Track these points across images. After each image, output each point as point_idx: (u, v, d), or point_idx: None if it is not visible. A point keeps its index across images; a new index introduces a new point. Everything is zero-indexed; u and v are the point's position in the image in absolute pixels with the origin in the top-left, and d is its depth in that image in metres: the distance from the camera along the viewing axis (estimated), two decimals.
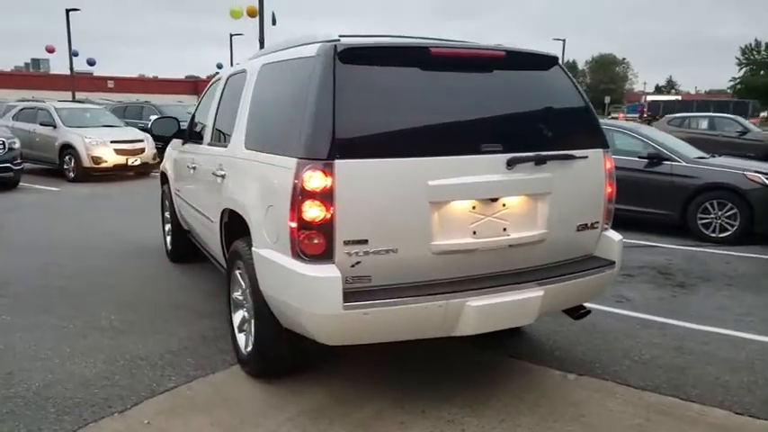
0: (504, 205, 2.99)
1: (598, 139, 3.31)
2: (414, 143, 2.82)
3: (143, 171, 13.07)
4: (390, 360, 3.65)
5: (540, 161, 3.01)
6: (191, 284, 5.26)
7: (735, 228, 7.32)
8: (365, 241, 2.71)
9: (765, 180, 7.31)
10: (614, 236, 3.40)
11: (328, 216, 2.65)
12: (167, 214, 6.12)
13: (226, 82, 4.34)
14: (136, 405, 3.18)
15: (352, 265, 2.71)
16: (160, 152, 13.35)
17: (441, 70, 2.98)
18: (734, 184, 7.34)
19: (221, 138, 4.08)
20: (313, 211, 2.65)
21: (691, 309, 4.85)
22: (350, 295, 2.65)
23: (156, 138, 5.67)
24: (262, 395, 3.29)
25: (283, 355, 3.31)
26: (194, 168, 4.53)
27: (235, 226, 3.65)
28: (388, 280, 2.80)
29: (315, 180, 2.64)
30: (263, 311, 3.15)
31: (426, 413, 3.11)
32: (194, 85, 42.35)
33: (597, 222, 3.33)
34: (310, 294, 2.67)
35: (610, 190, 3.35)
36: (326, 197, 2.64)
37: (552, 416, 3.11)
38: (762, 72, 60.91)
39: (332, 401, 3.21)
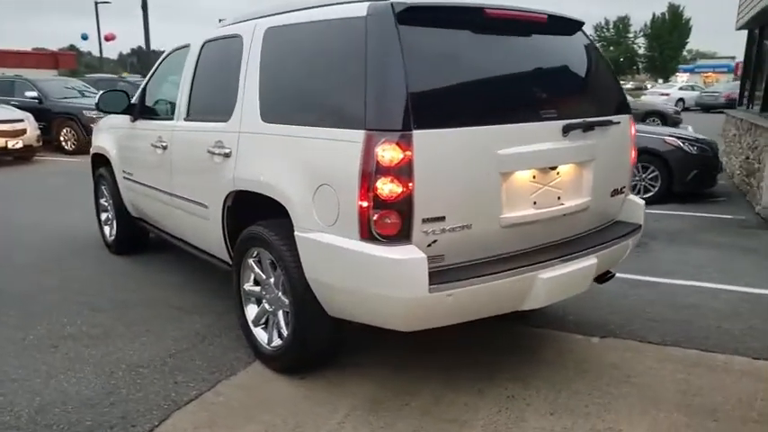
0: (557, 174, 2.91)
1: (625, 104, 3.32)
2: (481, 110, 2.66)
3: (25, 155, 11.64)
4: (414, 343, 3.46)
5: (588, 127, 2.96)
6: (154, 278, 4.73)
7: (656, 188, 7.87)
8: (442, 218, 2.52)
9: (681, 144, 7.89)
10: (638, 200, 3.46)
11: (406, 193, 2.42)
12: (105, 201, 5.45)
13: (201, 50, 3.86)
14: (165, 420, 2.79)
15: (429, 245, 2.52)
16: (43, 132, 12.06)
17: (490, 33, 2.82)
18: (655, 148, 7.86)
19: (210, 112, 3.63)
20: (389, 187, 2.41)
21: (657, 266, 5.12)
22: (431, 277, 2.46)
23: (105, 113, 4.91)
24: (302, 393, 3.01)
25: (325, 346, 3.05)
26: (163, 147, 4.01)
27: (245, 210, 3.29)
28: (458, 258, 2.64)
29: (391, 153, 2.39)
30: (305, 300, 2.87)
31: (483, 391, 3.01)
32: (54, 59, 38.18)
33: (624, 187, 3.37)
34: (391, 278, 2.44)
35: (634, 155, 3.39)
36: (404, 172, 2.41)
37: (602, 380, 3.13)
38: (611, 48, 66.32)
39: (383, 392, 3.01)
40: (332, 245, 2.60)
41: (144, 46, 21.18)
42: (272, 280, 3.14)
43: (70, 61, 42.32)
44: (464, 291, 2.51)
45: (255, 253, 3.22)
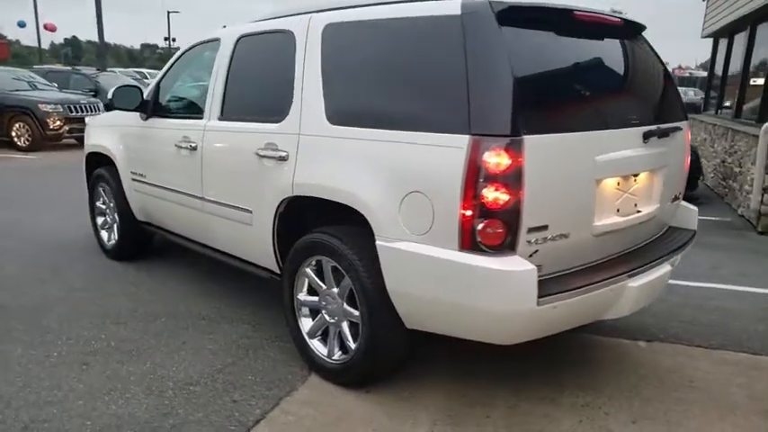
0: (635, 181, 2.89)
1: (683, 110, 3.33)
2: (579, 115, 2.60)
3: None
4: (468, 351, 3.35)
5: (663, 134, 2.95)
6: (166, 286, 4.46)
7: None
8: (545, 227, 2.45)
9: None
10: (691, 206, 3.49)
11: (515, 201, 2.33)
12: (102, 204, 5.13)
13: (235, 46, 3.65)
14: None
15: (530, 255, 2.44)
16: None
17: (575, 36, 2.76)
18: None
19: (255, 112, 3.43)
20: (496, 195, 2.32)
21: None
22: (538, 288, 2.38)
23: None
24: (376, 407, 2.88)
25: (398, 358, 2.92)
26: (191, 148, 3.78)
27: (299, 216, 3.12)
28: (554, 268, 2.57)
29: (500, 160, 2.30)
30: (380, 311, 2.74)
31: (557, 401, 2.96)
32: None
33: (680, 193, 3.38)
34: (498, 291, 2.34)
35: (688, 160, 3.41)
36: (513, 179, 2.32)
37: (666, 385, 3.13)
38: None
39: (456, 404, 2.92)
40: (424, 255, 2.49)
41: (78, 36, 20.15)
42: (335, 290, 2.99)
43: (2, 50, 39.82)
44: (568, 302, 2.44)
45: (314, 261, 3.06)
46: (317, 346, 3.15)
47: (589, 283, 2.51)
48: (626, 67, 3.00)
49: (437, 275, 2.48)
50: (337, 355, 3.05)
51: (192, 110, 4.03)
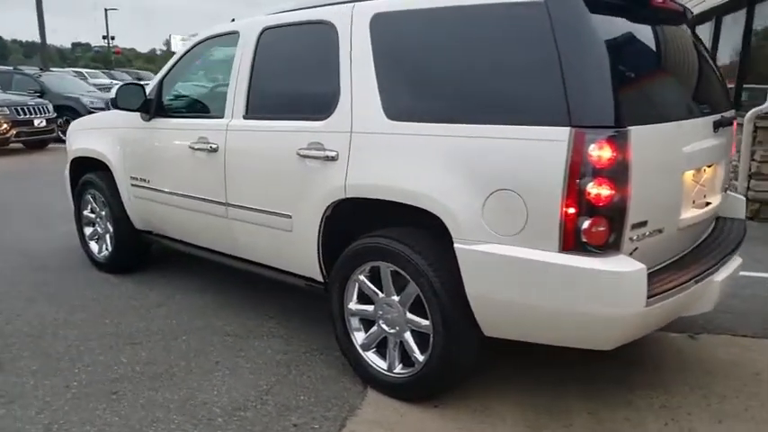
0: (704, 171, 2.79)
1: (731, 99, 3.27)
2: (668, 104, 2.48)
3: None
4: (517, 354, 3.18)
5: (727, 123, 2.86)
6: (174, 300, 4.13)
7: None
8: (645, 223, 2.31)
9: None
10: (738, 195, 3.43)
11: (621, 196, 2.18)
12: (90, 213, 4.73)
13: (259, 39, 3.36)
14: None
15: (631, 253, 2.29)
16: None
17: (650, 23, 2.63)
18: None
19: (290, 109, 3.17)
20: (603, 191, 2.15)
21: None
22: None
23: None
24: (450, 423, 2.68)
25: (470, 369, 2.74)
26: (211, 150, 3.47)
27: (351, 219, 2.90)
28: (648, 265, 2.42)
29: (606, 153, 2.13)
30: (455, 319, 2.55)
31: (633, 403, 2.84)
32: None
33: (728, 183, 3.32)
34: (608, 293, 2.18)
35: (734, 149, 3.36)
36: (620, 172, 2.16)
37: (735, 380, 3.05)
38: None
39: (534, 414, 2.75)
40: (515, 258, 2.30)
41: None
42: (395, 298, 2.78)
43: None
44: (668, 302, 2.31)
45: (369, 268, 2.84)
46: (373, 359, 2.93)
47: (687, 280, 2.39)
48: (692, 54, 2.90)
49: (531, 279, 2.30)
50: (399, 368, 2.84)
51: (208, 109, 3.74)
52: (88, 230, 4.83)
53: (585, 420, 2.69)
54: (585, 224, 2.17)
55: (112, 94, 3.81)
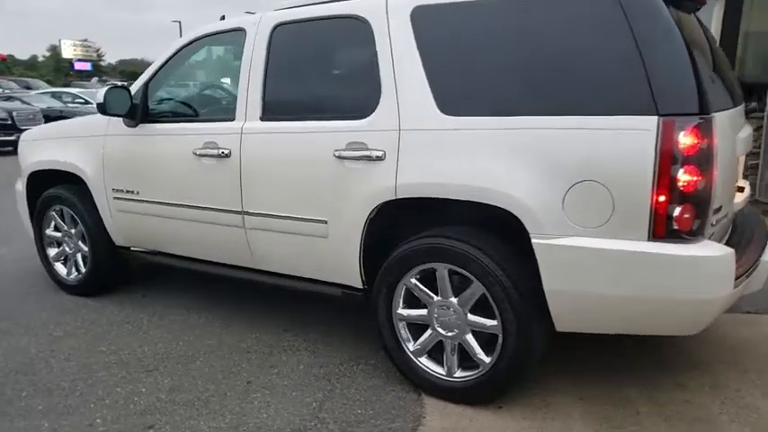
0: (738, 159, 2.90)
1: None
2: (722, 93, 2.54)
3: None
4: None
5: (753, 111, 3.00)
6: (172, 320, 3.81)
7: None
8: (720, 208, 2.36)
9: None
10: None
11: (707, 182, 2.21)
12: (54, 232, 4.30)
13: (271, 36, 3.16)
14: None
15: (709, 238, 2.33)
16: None
17: (682, 10, 2.68)
18: None
19: (320, 109, 3.00)
20: (692, 178, 2.18)
21: None
22: None
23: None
24: (522, 423, 2.62)
25: (536, 364, 2.70)
26: (223, 155, 3.23)
27: (392, 222, 2.79)
28: None
29: (694, 140, 2.16)
30: (528, 318, 2.50)
31: (684, 385, 2.89)
32: None
33: None
34: (701, 278, 2.21)
35: None
36: (706, 159, 2.19)
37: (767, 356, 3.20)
38: None
39: (599, 406, 2.74)
40: (602, 249, 2.28)
41: None
42: (453, 300, 2.69)
43: None
44: (745, 282, 2.37)
45: (422, 270, 2.73)
46: (428, 364, 2.82)
47: (755, 260, 2.47)
48: (711, 43, 3.00)
49: (620, 269, 2.28)
50: (459, 373, 2.75)
51: (212, 112, 3.47)
52: (52, 252, 4.37)
53: (649, 407, 2.72)
54: (676, 211, 2.18)
55: (99, 98, 3.45)
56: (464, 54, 2.60)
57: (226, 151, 3.21)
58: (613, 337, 2.88)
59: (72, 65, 53.96)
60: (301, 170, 2.99)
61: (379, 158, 2.73)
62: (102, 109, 3.46)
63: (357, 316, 3.65)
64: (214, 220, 3.37)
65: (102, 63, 68.87)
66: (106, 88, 3.47)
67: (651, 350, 3.21)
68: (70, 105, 17.77)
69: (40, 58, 69.45)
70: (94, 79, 45.86)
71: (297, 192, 3.02)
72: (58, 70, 57.31)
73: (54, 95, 18.87)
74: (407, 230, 2.84)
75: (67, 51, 54.39)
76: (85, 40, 58.40)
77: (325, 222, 2.95)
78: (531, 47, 2.46)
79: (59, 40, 55.60)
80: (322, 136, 2.91)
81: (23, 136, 4.51)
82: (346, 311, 3.74)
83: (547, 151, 2.35)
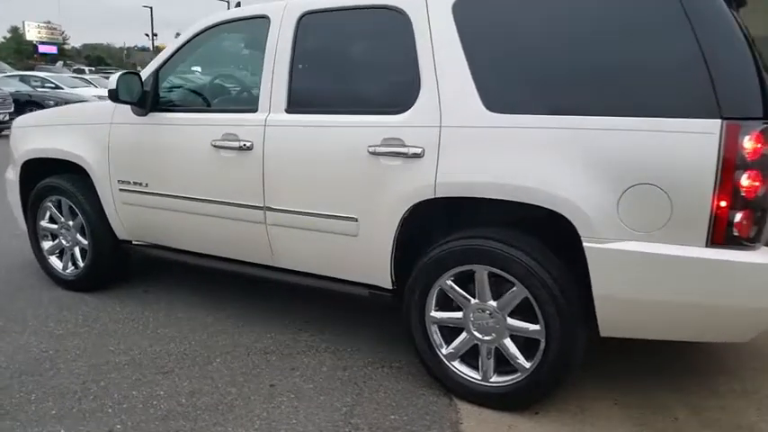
0: None
1: None
2: None
3: None
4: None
5: None
6: (180, 318, 3.66)
7: None
8: None
9: None
10: None
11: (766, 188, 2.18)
12: (49, 223, 4.10)
13: (298, 25, 3.03)
14: None
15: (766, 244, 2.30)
16: None
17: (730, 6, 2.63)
18: None
19: (351, 102, 2.89)
20: (753, 183, 2.13)
21: None
22: None
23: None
24: (561, 428, 2.57)
25: (578, 369, 2.64)
26: (244, 148, 3.09)
27: (425, 221, 2.71)
28: None
29: (758, 144, 2.12)
30: (574, 323, 2.45)
31: (715, 390, 2.88)
32: None
33: None
34: (763, 286, 2.17)
35: None
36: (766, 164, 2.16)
37: None
38: None
39: (635, 411, 2.70)
40: (659, 255, 2.23)
41: None
42: (492, 303, 2.62)
43: None
44: None
45: (459, 272, 2.65)
46: (462, 369, 2.75)
47: None
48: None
49: (676, 275, 2.23)
50: (495, 378, 2.68)
51: (231, 102, 3.33)
52: (47, 245, 4.16)
53: (686, 413, 2.69)
54: (737, 217, 2.14)
55: (111, 84, 3.26)
56: (512, 50, 2.52)
57: (247, 144, 3.07)
58: (641, 340, 2.86)
59: (36, 47, 52.29)
60: (331, 166, 2.87)
61: (417, 155, 2.63)
62: (114, 95, 3.28)
63: (374, 316, 3.57)
64: (231, 214, 3.23)
65: (66, 47, 67.00)
66: (119, 74, 3.29)
67: (678, 354, 3.19)
68: (39, 90, 17.17)
69: (0, 40, 67.08)
70: (59, 63, 44.57)
71: (325, 188, 2.90)
72: (19, 52, 55.42)
73: (22, 79, 18.21)
74: (437, 231, 2.77)
75: (32, 34, 52.70)
76: (49, 23, 56.65)
77: (356, 220, 2.84)
78: (586, 44, 2.38)
79: (23, 22, 53.82)
80: (355, 131, 2.80)
81: (16, 122, 4.29)
82: (361, 311, 3.65)
83: (602, 153, 2.29)
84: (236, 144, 3.11)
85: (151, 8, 43.70)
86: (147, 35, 46.59)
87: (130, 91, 3.32)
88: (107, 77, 23.19)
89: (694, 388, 2.88)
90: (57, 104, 16.43)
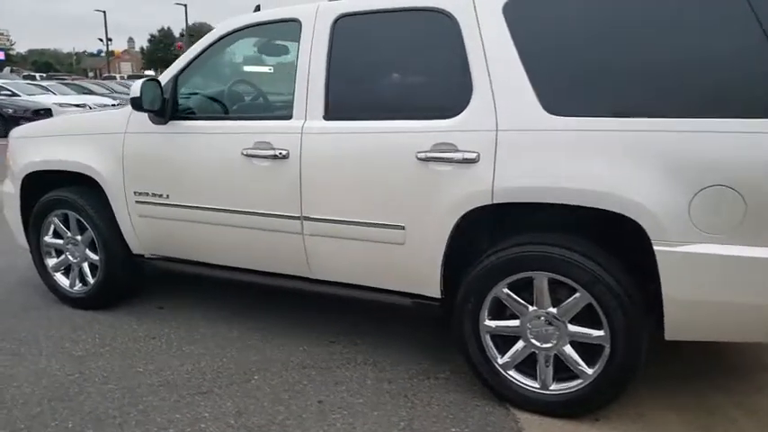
0: None
1: None
2: None
3: None
4: None
5: None
6: (203, 334, 3.52)
7: None
8: None
9: None
10: None
11: None
12: (53, 238, 3.89)
13: (333, 28, 2.94)
14: None
15: None
16: None
17: None
18: None
19: (396, 107, 2.81)
20: None
21: None
22: None
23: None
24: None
25: (641, 374, 2.62)
26: (279, 156, 2.98)
27: (473, 228, 2.66)
28: None
29: None
30: (641, 328, 2.43)
31: (764, 389, 2.91)
32: None
33: None
34: None
35: None
36: None
37: None
38: None
39: (692, 414, 2.70)
40: (735, 257, 2.22)
41: None
42: (552, 310, 2.58)
43: None
44: None
45: (512, 280, 2.60)
46: (519, 378, 2.70)
47: None
48: None
49: (750, 277, 2.23)
50: (554, 385, 2.64)
51: (261, 108, 3.21)
52: (51, 262, 3.95)
53: (743, 414, 2.69)
54: None
55: (135, 92, 3.09)
56: (571, 51, 2.48)
57: (283, 152, 2.96)
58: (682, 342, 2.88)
59: None
60: (376, 173, 2.79)
61: (471, 161, 2.57)
62: (138, 104, 3.12)
63: (403, 325, 3.51)
64: (263, 225, 3.11)
65: (12, 53, 64.76)
66: (142, 81, 3.13)
67: (718, 354, 3.21)
68: None
69: None
70: (7, 69, 43.07)
71: (370, 196, 2.82)
72: None
73: None
74: (483, 237, 2.72)
75: None
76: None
77: (403, 228, 2.77)
78: (652, 44, 2.36)
79: None
80: (402, 136, 2.72)
81: (14, 132, 4.06)
82: (389, 320, 3.58)
83: (672, 155, 2.27)
84: (270, 153, 2.99)
85: (104, 12, 42.54)
86: (100, 40, 45.31)
87: (153, 99, 3.17)
88: (64, 83, 22.46)
89: (741, 387, 2.90)
90: (15, 113, 15.86)
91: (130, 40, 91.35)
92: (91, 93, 21.05)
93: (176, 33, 73.82)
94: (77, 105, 18.03)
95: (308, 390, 2.89)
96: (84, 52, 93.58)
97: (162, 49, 73.94)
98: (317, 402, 2.78)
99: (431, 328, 3.47)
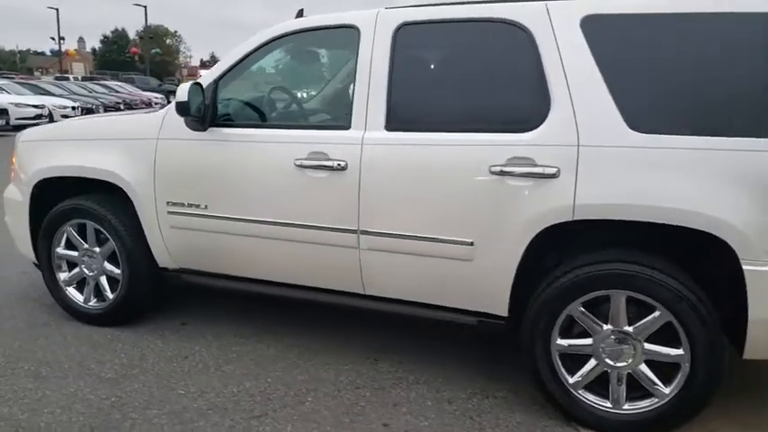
0: None
1: None
2: None
3: None
4: None
5: None
6: (236, 352, 3.34)
7: None
8: None
9: None
10: None
11: None
12: (66, 250, 3.65)
13: (395, 37, 2.85)
14: None
15: None
16: None
17: None
18: None
19: (466, 119, 2.74)
20: None
21: None
22: None
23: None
24: None
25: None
26: (336, 168, 2.87)
27: (544, 247, 2.62)
28: None
29: None
30: (720, 346, 2.42)
31: None
32: None
33: None
34: None
35: None
36: None
37: None
38: None
39: (737, 425, 2.71)
40: None
41: None
42: (628, 328, 2.54)
43: None
44: None
45: (587, 298, 2.56)
46: (590, 398, 2.65)
47: None
48: None
49: None
50: (627, 405, 2.60)
51: (314, 117, 3.07)
52: (63, 276, 3.70)
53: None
54: None
55: (182, 96, 2.92)
56: (655, 68, 2.46)
57: (341, 163, 2.84)
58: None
59: None
60: (443, 187, 2.70)
61: (551, 176, 2.52)
62: (186, 109, 2.95)
63: (444, 341, 3.43)
64: (315, 239, 2.98)
65: None
66: (189, 85, 2.96)
67: (754, 368, 3.24)
68: None
69: None
70: None
71: (436, 210, 2.73)
72: None
73: None
74: (550, 255, 2.69)
75: None
76: None
77: (471, 244, 2.69)
78: (738, 63, 2.36)
79: None
80: (474, 149, 2.65)
81: (23, 136, 3.80)
82: (425, 334, 3.50)
83: (761, 174, 2.27)
84: (327, 164, 2.87)
85: (57, 10, 41.06)
86: (53, 39, 43.68)
87: (199, 104, 3.01)
88: (17, 83, 21.41)
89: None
90: None
91: (81, 40, 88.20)
92: (48, 93, 20.16)
93: (131, 35, 71.91)
94: (35, 106, 17.30)
95: (368, 412, 2.76)
96: (29, 50, 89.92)
97: (116, 51, 71.81)
98: (383, 425, 2.66)
99: (472, 343, 3.40)
